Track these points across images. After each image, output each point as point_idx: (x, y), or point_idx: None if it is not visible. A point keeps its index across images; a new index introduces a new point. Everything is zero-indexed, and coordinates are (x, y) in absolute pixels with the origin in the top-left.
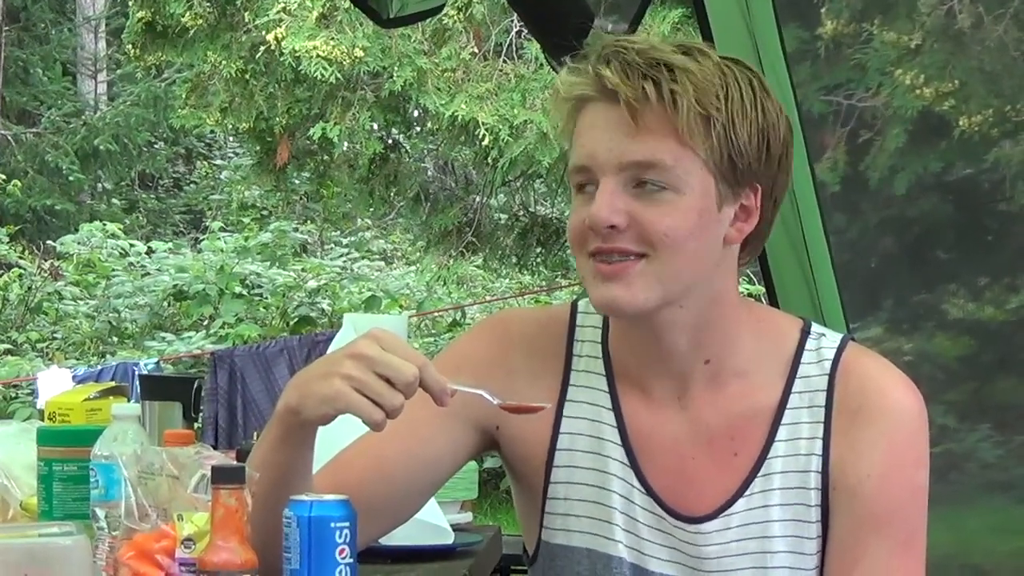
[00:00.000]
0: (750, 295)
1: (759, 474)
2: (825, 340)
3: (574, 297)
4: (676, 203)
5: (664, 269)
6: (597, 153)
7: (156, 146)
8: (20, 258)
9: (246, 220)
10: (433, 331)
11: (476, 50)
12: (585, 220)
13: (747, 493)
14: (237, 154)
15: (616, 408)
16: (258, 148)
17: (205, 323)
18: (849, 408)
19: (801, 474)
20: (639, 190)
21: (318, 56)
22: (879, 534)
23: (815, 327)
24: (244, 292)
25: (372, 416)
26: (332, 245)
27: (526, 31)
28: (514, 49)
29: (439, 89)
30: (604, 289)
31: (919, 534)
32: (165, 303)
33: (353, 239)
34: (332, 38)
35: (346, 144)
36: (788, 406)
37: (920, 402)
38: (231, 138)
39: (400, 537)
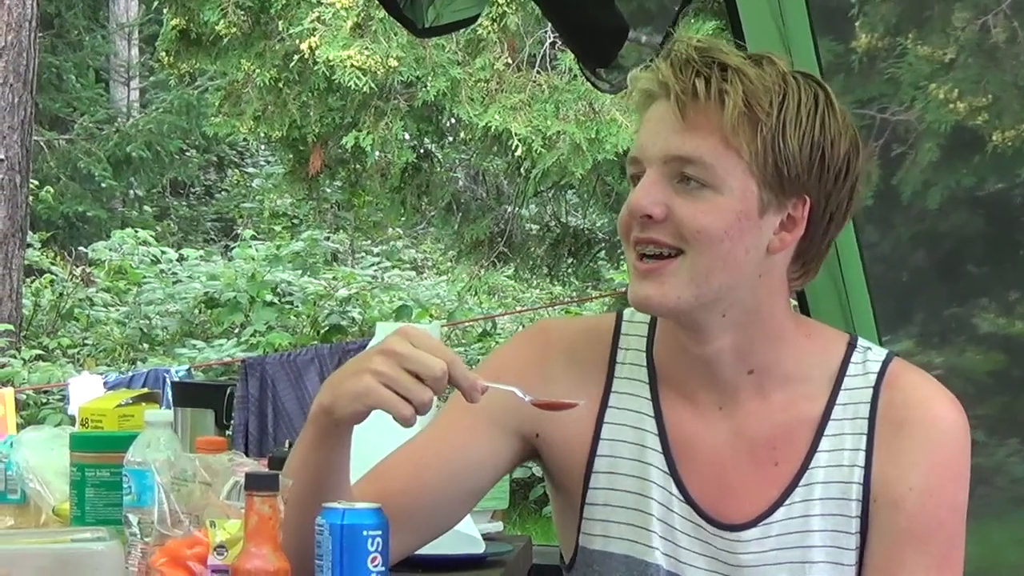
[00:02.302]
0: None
1: (800, 484)
2: (871, 354)
3: (605, 309)
4: (714, 201)
5: (696, 267)
6: (647, 145)
7: (188, 153)
8: (52, 264)
9: (277, 228)
10: (463, 341)
11: (510, 60)
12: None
13: (788, 502)
14: (269, 162)
15: (658, 415)
16: (290, 156)
17: (236, 331)
18: (893, 421)
19: (843, 485)
20: (682, 185)
21: (352, 66)
22: (918, 550)
23: (861, 341)
24: (275, 300)
25: (401, 411)
26: (363, 254)
27: (560, 42)
28: (548, 60)
29: (472, 99)
30: (639, 287)
31: (957, 551)
32: (196, 310)
33: (384, 248)
34: (366, 48)
35: (378, 153)
36: (832, 417)
37: (964, 419)
38: (263, 146)
39: (431, 546)
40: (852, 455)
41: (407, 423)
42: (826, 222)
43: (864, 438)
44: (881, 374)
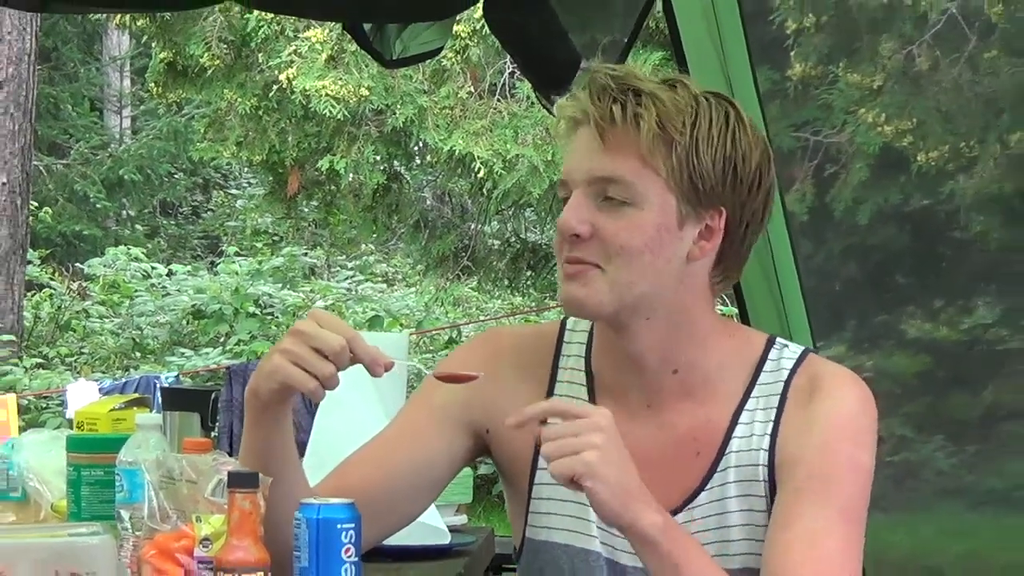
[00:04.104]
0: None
1: (718, 469)
2: (787, 351)
3: (563, 316)
4: (635, 217)
5: (618, 278)
6: (572, 169)
7: (176, 176)
8: (51, 279)
9: (259, 245)
10: (431, 348)
11: (472, 89)
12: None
13: (708, 487)
14: (251, 184)
15: None
16: (270, 179)
17: (221, 340)
18: (800, 397)
19: (751, 454)
20: (605, 203)
21: (326, 95)
22: (816, 503)
23: (780, 340)
24: (257, 312)
25: (306, 385)
26: (338, 268)
27: (519, 72)
28: (507, 88)
29: (438, 125)
30: (566, 288)
31: (858, 508)
32: (184, 321)
33: (358, 263)
34: (340, 78)
35: (352, 175)
36: (746, 408)
37: (867, 393)
38: (246, 169)
39: (401, 537)
40: (762, 429)
41: (314, 396)
42: (743, 230)
43: (774, 412)
44: (795, 369)
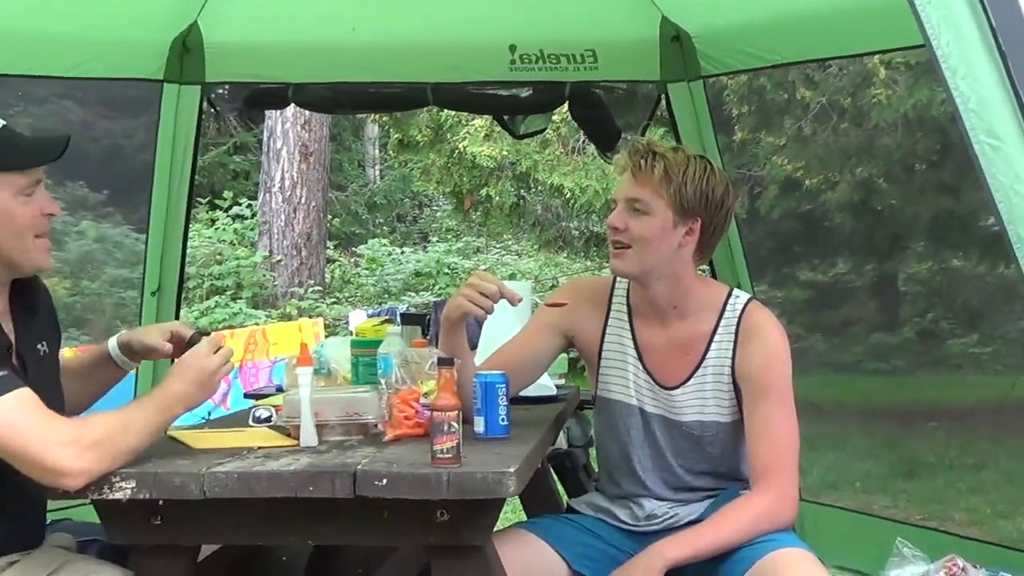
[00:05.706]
0: (702, 269)
1: (701, 367)
2: (739, 300)
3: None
4: (649, 221)
5: (640, 255)
6: (618, 192)
7: (404, 200)
8: (339, 256)
9: (449, 236)
10: (542, 291)
11: (563, 149)
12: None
13: (695, 376)
14: (444, 203)
15: (632, 329)
16: (455, 200)
17: (431, 287)
18: (746, 335)
19: (721, 367)
20: (634, 212)
21: (484, 154)
22: (764, 400)
23: (735, 291)
24: (449, 272)
25: (476, 311)
26: (492, 248)
27: (587, 139)
28: (582, 148)
29: (545, 170)
30: (612, 261)
31: (789, 400)
32: (411, 278)
33: (502, 244)
34: (492, 145)
35: (498, 197)
36: (717, 334)
37: (783, 334)
38: (441, 196)
39: (529, 391)
40: (726, 353)
41: (480, 318)
42: (711, 232)
43: (732, 344)
44: (743, 310)
